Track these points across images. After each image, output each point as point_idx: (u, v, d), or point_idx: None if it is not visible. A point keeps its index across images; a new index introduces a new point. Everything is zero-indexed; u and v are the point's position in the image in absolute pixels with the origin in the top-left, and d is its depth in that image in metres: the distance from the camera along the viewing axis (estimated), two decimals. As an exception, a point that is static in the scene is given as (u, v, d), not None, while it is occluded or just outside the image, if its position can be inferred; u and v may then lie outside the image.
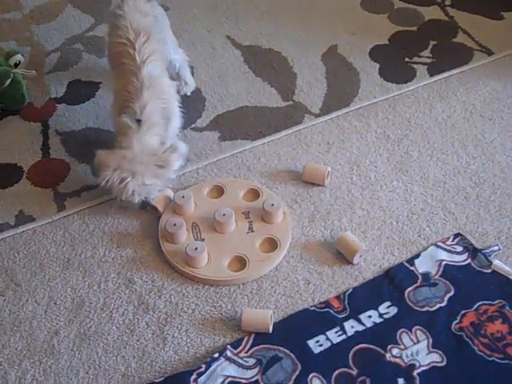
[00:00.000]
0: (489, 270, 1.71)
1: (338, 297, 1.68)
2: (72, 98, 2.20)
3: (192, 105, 2.15)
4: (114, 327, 1.64)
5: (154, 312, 1.67)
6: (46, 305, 1.69)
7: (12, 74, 2.07)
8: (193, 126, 2.09)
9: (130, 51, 1.84)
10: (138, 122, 1.78)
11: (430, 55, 2.28)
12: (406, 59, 2.27)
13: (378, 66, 2.25)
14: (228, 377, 1.54)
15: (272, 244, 1.78)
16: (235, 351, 1.58)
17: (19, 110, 2.15)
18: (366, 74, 2.23)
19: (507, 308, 1.63)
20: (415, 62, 2.26)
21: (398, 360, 1.55)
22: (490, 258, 1.72)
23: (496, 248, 1.75)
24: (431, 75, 2.21)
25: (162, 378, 1.54)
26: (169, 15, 2.45)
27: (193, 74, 2.23)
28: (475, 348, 1.56)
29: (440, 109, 2.11)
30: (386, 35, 2.36)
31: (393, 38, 2.35)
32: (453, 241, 1.78)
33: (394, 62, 2.27)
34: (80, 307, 1.68)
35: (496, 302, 1.64)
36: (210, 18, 2.46)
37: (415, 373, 1.53)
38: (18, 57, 2.13)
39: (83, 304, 1.68)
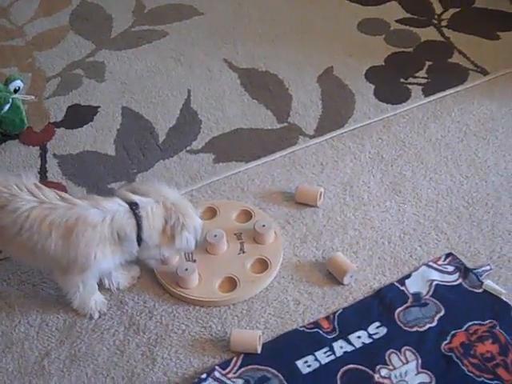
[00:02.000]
0: (480, 290, 1.70)
1: (327, 317, 1.68)
2: (71, 122, 2.23)
3: (188, 127, 2.18)
4: (104, 348, 1.65)
5: (145, 333, 1.68)
6: (39, 326, 1.70)
7: (11, 100, 2.11)
8: (188, 148, 2.11)
9: None
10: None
11: (426, 75, 2.29)
12: (402, 80, 2.28)
13: (373, 87, 2.27)
14: (215, 398, 1.54)
15: (263, 265, 1.78)
16: (224, 372, 1.58)
17: (19, 135, 2.19)
18: (361, 95, 2.25)
19: (498, 328, 1.62)
20: (410, 83, 2.27)
21: (386, 381, 1.54)
22: (481, 278, 1.72)
23: (488, 268, 1.74)
24: (426, 95, 2.22)
25: (149, 399, 1.55)
26: (167, 40, 2.53)
27: (190, 97, 2.27)
28: (464, 368, 1.55)
29: (434, 129, 2.12)
30: (381, 56, 2.38)
31: (389, 59, 2.37)
32: (444, 260, 1.77)
33: (390, 82, 2.28)
34: (71, 328, 1.69)
35: (487, 321, 1.63)
36: (208, 43, 2.50)
37: (404, 394, 1.53)
38: (18, 82, 2.17)
39: (75, 325, 1.70)
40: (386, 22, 2.52)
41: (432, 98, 2.21)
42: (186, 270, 1.72)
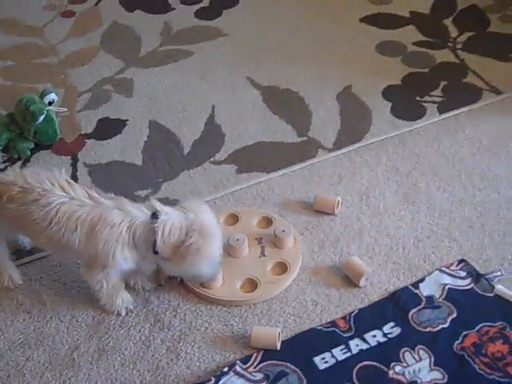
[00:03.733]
0: (491, 294, 1.77)
1: (343, 317, 1.75)
2: (100, 133, 2.34)
3: (212, 140, 2.29)
4: (130, 343, 1.74)
5: (169, 329, 1.76)
6: (69, 322, 1.79)
7: (46, 111, 2.23)
8: (212, 159, 2.21)
9: None
10: None
11: (441, 94, 2.38)
12: (417, 98, 2.38)
13: (390, 104, 2.36)
14: (236, 390, 1.62)
15: (283, 268, 1.86)
16: (244, 366, 1.66)
17: (51, 145, 2.30)
18: (378, 112, 2.34)
19: (508, 329, 1.68)
20: (426, 101, 2.36)
21: (400, 377, 1.61)
22: (492, 283, 1.79)
23: (499, 274, 1.81)
24: (441, 113, 2.31)
25: (173, 390, 1.63)
26: (193, 59, 2.65)
27: (214, 112, 2.38)
28: (476, 366, 1.62)
29: (448, 144, 2.21)
30: (398, 76, 2.48)
31: (405, 79, 2.46)
32: (457, 266, 1.84)
33: (406, 100, 2.38)
34: (100, 324, 1.78)
35: (497, 323, 1.70)
36: (232, 62, 2.61)
37: (417, 389, 1.59)
38: (52, 96, 2.29)
39: (103, 321, 1.78)
40: (403, 44, 2.63)
41: (447, 115, 2.30)
42: (210, 270, 1.81)
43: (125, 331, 1.76)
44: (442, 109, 2.32)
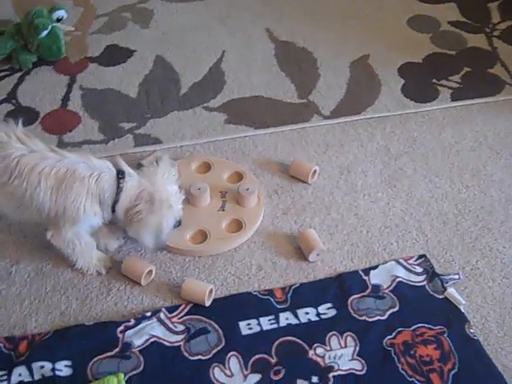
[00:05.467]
0: (441, 296, 1.68)
1: (283, 288, 1.70)
2: (105, 59, 2.33)
3: (211, 85, 2.23)
4: (68, 269, 1.73)
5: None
6: (16, 236, 1.80)
7: (50, 27, 2.22)
8: (205, 105, 2.16)
9: None
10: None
11: (459, 80, 2.25)
12: (434, 80, 2.25)
13: (402, 81, 2.25)
14: (153, 336, 1.59)
15: (238, 226, 1.82)
16: (169, 315, 1.64)
17: (54, 62, 2.29)
18: (388, 87, 2.23)
19: (446, 335, 1.60)
20: (441, 85, 2.23)
21: (319, 359, 1.56)
22: (446, 285, 1.69)
23: (456, 277, 1.72)
24: (453, 100, 2.18)
25: (91, 323, 1.62)
26: (218, 1, 2.58)
27: (222, 58, 2.31)
28: (399, 365, 1.55)
29: (450, 134, 2.09)
30: (421, 54, 2.35)
31: (427, 58, 2.34)
32: (415, 261, 1.76)
33: (421, 81, 2.26)
34: (47, 246, 1.78)
35: (437, 327, 1.61)
36: (256, 10, 2.54)
37: (331, 375, 1.53)
38: (62, 12, 2.27)
39: (51, 245, 1.78)
40: (437, 20, 2.49)
41: (459, 103, 2.17)
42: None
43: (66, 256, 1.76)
44: (456, 96, 2.19)
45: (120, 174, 1.61)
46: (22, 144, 1.58)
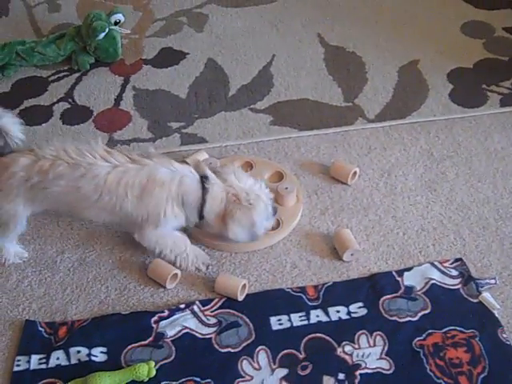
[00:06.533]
0: (475, 300, 1.66)
1: (315, 286, 1.72)
2: (159, 62, 2.40)
3: (259, 88, 2.27)
4: (110, 260, 1.80)
5: (148, 256, 1.80)
6: (64, 229, 1.89)
7: (107, 29, 2.31)
8: (252, 106, 2.21)
9: None
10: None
11: (510, 86, 2.22)
12: (484, 86, 2.22)
13: (451, 87, 2.23)
14: (186, 328, 1.64)
15: (276, 224, 1.84)
16: (203, 308, 1.68)
17: (110, 64, 2.39)
18: (435, 92, 2.22)
19: (477, 339, 1.58)
20: (491, 90, 2.21)
21: (346, 357, 1.57)
22: (481, 289, 1.68)
23: (492, 281, 1.69)
24: (502, 105, 2.15)
25: (127, 312, 1.68)
26: (273, 6, 2.63)
27: (272, 61, 2.36)
28: (427, 367, 1.54)
29: (496, 139, 2.06)
30: (472, 60, 2.33)
31: (478, 64, 2.31)
32: (451, 264, 1.74)
33: (470, 86, 2.24)
34: (89, 237, 1.86)
35: (469, 330, 1.60)
36: (309, 15, 2.57)
37: (358, 372, 1.54)
38: (119, 16, 2.36)
39: (91, 236, 1.86)
40: (492, 27, 2.46)
41: (507, 109, 2.14)
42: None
43: (109, 249, 1.83)
44: (506, 102, 2.16)
45: (204, 178, 1.68)
46: (105, 161, 1.67)
